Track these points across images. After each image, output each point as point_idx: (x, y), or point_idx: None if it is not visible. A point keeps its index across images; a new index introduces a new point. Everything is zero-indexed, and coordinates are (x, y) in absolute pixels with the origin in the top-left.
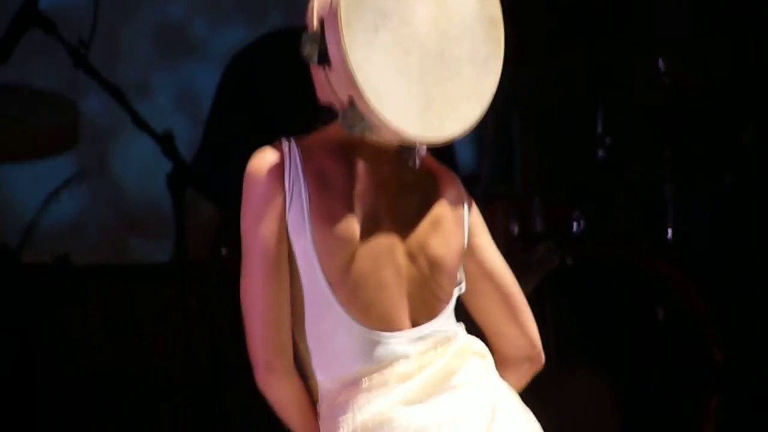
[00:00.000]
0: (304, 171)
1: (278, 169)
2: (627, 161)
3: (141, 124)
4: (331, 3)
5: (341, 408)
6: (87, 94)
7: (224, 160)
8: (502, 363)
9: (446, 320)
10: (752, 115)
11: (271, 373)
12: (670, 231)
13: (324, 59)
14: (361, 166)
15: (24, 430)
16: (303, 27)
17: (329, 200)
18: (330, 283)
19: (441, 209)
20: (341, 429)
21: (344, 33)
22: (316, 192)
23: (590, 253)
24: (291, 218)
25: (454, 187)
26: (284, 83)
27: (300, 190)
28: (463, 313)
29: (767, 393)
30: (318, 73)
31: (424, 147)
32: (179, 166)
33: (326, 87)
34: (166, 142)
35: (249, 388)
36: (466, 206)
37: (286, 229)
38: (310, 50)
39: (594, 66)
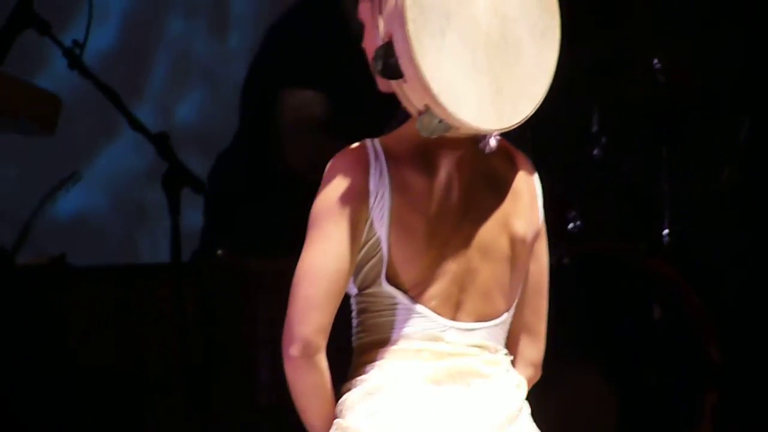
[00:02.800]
0: (389, 173)
1: (364, 169)
2: (623, 160)
3: (136, 125)
4: (397, 18)
5: (369, 363)
6: (82, 94)
7: (222, 160)
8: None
9: (498, 330)
10: (748, 114)
11: (304, 353)
12: (666, 230)
13: (397, 74)
14: (439, 158)
15: (21, 430)
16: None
17: (410, 202)
18: (399, 280)
19: (518, 188)
20: (361, 379)
21: (414, 45)
22: (398, 194)
23: (586, 252)
24: (374, 216)
25: (527, 166)
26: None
27: (384, 193)
28: None
29: (764, 390)
30: (390, 84)
31: (498, 133)
32: (174, 167)
33: (400, 96)
34: (161, 142)
35: (243, 389)
36: (537, 185)
37: (369, 225)
38: (381, 66)
39: (590, 64)
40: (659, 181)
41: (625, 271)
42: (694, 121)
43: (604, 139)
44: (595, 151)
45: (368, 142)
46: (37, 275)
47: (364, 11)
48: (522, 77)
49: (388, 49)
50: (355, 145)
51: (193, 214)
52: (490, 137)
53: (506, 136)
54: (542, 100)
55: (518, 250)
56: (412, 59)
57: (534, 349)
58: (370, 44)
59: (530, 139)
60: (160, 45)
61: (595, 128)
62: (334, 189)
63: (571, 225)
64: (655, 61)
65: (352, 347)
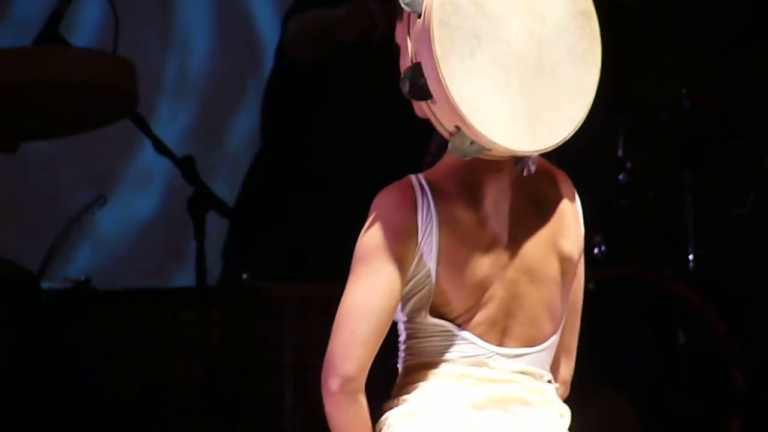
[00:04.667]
0: (436, 207)
1: (412, 205)
2: (648, 185)
3: (162, 149)
4: (424, 38)
5: (412, 384)
6: None
7: (248, 184)
8: None
9: (544, 356)
10: None
11: (345, 388)
12: (691, 255)
13: (425, 95)
14: (483, 185)
15: None
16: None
17: (458, 234)
18: (446, 309)
19: (562, 208)
20: (403, 399)
21: (441, 66)
22: (445, 227)
23: (611, 277)
24: (423, 251)
25: (568, 185)
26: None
27: (432, 228)
28: None
29: None
30: (422, 107)
31: (537, 155)
32: (200, 190)
33: (432, 118)
34: (186, 166)
35: (269, 414)
36: (578, 204)
37: (418, 259)
38: (410, 87)
39: (615, 90)
40: (684, 207)
41: (650, 296)
42: (718, 147)
43: (629, 164)
44: (621, 176)
45: (413, 177)
46: (62, 299)
47: (399, 33)
48: (559, 99)
49: (416, 70)
50: (401, 181)
51: (219, 238)
52: (528, 160)
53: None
54: (581, 121)
55: (566, 269)
56: (439, 79)
57: (567, 366)
58: (403, 66)
59: (554, 164)
60: (181, 67)
61: (620, 153)
62: (381, 226)
63: (596, 250)
64: (680, 86)
65: (398, 368)
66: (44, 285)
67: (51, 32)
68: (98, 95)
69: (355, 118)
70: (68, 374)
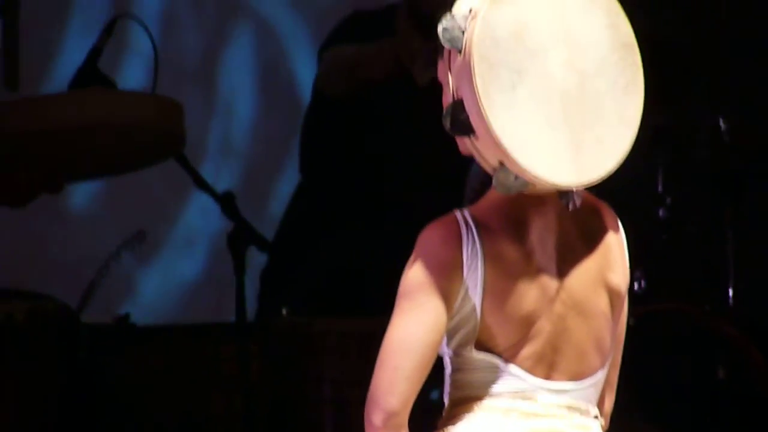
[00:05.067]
0: (481, 243)
1: (457, 241)
2: (687, 220)
3: (201, 184)
4: (465, 73)
5: (458, 416)
6: None
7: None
8: None
9: (591, 391)
10: None
11: (389, 423)
12: (731, 290)
13: (467, 130)
14: (528, 219)
15: None
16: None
17: (503, 270)
18: (492, 343)
19: (608, 241)
20: (448, 430)
21: (482, 101)
22: (491, 263)
23: (651, 312)
24: (468, 286)
25: (612, 217)
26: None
27: (477, 263)
28: None
29: None
30: (465, 142)
31: (582, 188)
32: (240, 226)
33: (475, 154)
34: (226, 201)
35: None
36: (623, 236)
37: (464, 295)
38: (452, 123)
39: (655, 125)
40: (724, 242)
41: (690, 332)
42: (758, 182)
43: (669, 199)
44: (660, 212)
45: (458, 213)
46: (101, 334)
47: (440, 71)
48: (603, 132)
49: (457, 106)
50: (446, 216)
51: (258, 273)
52: (573, 193)
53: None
54: (626, 154)
55: (615, 303)
56: (481, 114)
57: (609, 400)
58: (446, 103)
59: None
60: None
61: (660, 189)
62: (427, 261)
63: (636, 285)
64: (720, 121)
65: (444, 401)
66: (84, 320)
67: (90, 68)
68: (146, 136)
69: (395, 152)
70: (108, 410)
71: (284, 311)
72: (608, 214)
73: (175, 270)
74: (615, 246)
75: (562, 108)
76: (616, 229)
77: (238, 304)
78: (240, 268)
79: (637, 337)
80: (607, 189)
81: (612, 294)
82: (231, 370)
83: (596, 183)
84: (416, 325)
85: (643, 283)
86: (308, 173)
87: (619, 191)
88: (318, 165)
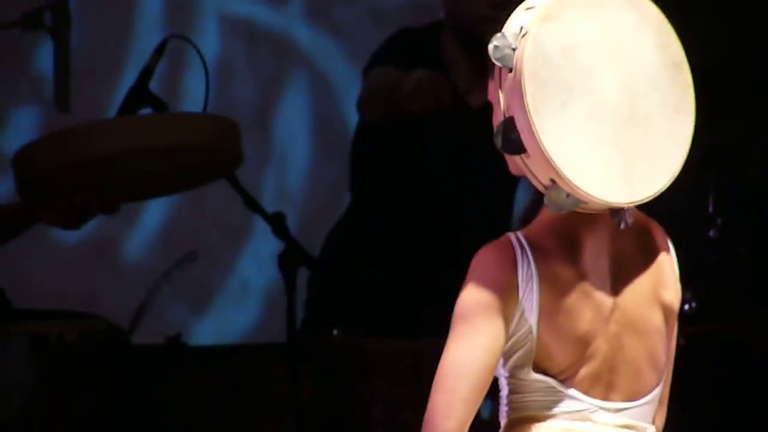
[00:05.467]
0: (536, 265)
1: (512, 264)
2: (739, 241)
3: (251, 204)
4: (516, 92)
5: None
6: None
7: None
8: None
9: (648, 409)
10: None
11: None
12: None
13: (518, 149)
14: (581, 239)
15: None
16: None
17: (559, 291)
18: (548, 365)
19: (660, 259)
20: None
21: (533, 119)
22: (546, 285)
23: (702, 334)
24: (524, 308)
25: (663, 236)
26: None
27: (533, 285)
28: None
29: None
30: (516, 161)
31: (633, 207)
32: (291, 246)
33: (526, 173)
34: (277, 222)
35: None
36: (674, 254)
37: (519, 317)
38: (503, 141)
39: (705, 145)
40: None
41: (742, 353)
42: None
43: (719, 220)
44: (711, 232)
45: (512, 236)
46: (153, 355)
47: (491, 91)
48: (654, 151)
49: (508, 124)
50: (500, 239)
51: (309, 293)
52: (625, 212)
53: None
54: (678, 172)
55: (669, 319)
56: (532, 132)
57: (660, 416)
58: (496, 123)
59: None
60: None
61: (710, 209)
62: (482, 284)
63: (686, 306)
64: None
65: (500, 422)
66: (135, 340)
67: (141, 88)
68: (204, 156)
69: (447, 171)
70: (159, 430)
71: (335, 331)
72: (659, 232)
73: (227, 292)
74: (666, 264)
75: (612, 126)
76: (667, 248)
77: (289, 324)
78: (291, 288)
79: (688, 357)
80: (657, 209)
81: (666, 311)
82: (282, 390)
83: (647, 201)
84: (473, 347)
85: (693, 303)
86: (359, 192)
87: (670, 212)
88: (369, 184)
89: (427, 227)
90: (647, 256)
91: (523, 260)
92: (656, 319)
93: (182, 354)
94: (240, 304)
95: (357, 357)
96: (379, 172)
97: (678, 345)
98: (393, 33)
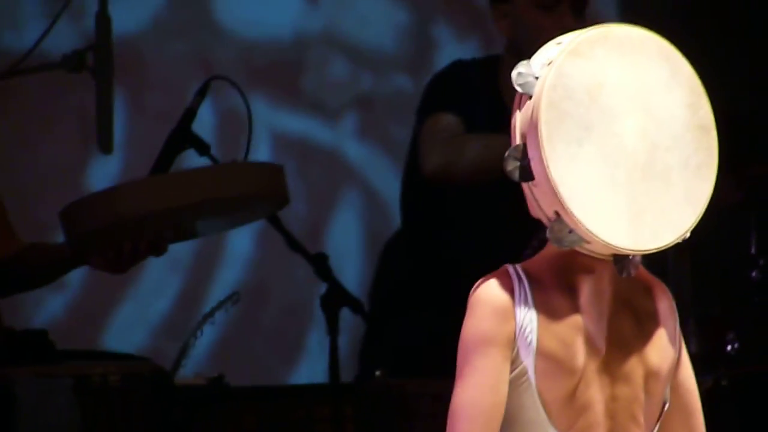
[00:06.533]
0: (534, 300)
1: (509, 298)
2: None
3: (295, 245)
4: (532, 119)
5: None
6: None
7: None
8: None
9: None
10: None
11: None
12: None
13: (527, 176)
14: (581, 283)
15: None
16: None
17: (555, 330)
18: (544, 404)
19: (657, 320)
20: None
21: (545, 148)
22: (543, 321)
23: (745, 374)
24: (519, 345)
25: (666, 297)
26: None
27: (531, 320)
28: None
29: None
30: (525, 189)
31: (638, 257)
32: (333, 287)
33: (533, 202)
34: (319, 262)
35: None
36: (677, 318)
37: (515, 354)
38: (513, 166)
39: (748, 186)
40: None
41: None
42: None
43: (762, 261)
44: (754, 274)
45: (510, 267)
46: (195, 395)
47: (513, 118)
48: (666, 206)
49: (520, 150)
50: (498, 270)
51: (352, 335)
52: (629, 262)
53: (663, 257)
54: (688, 231)
55: (651, 385)
56: (542, 160)
57: None
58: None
59: (689, 261)
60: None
61: (753, 250)
62: (479, 319)
63: (729, 347)
64: None
65: None
66: (178, 381)
67: (184, 129)
68: (252, 203)
69: (493, 208)
70: None
71: (378, 372)
72: (662, 293)
73: (268, 332)
74: (662, 327)
75: (627, 173)
76: (668, 310)
77: (331, 365)
78: (333, 329)
79: (730, 398)
80: (700, 253)
81: (649, 375)
82: (325, 431)
83: (650, 252)
84: (474, 388)
85: (736, 344)
86: (410, 239)
87: (713, 254)
88: (420, 230)
89: (471, 273)
90: (641, 315)
91: (520, 290)
92: (638, 376)
93: (225, 395)
94: (281, 344)
95: (399, 398)
96: (430, 218)
97: (720, 386)
98: (446, 66)
